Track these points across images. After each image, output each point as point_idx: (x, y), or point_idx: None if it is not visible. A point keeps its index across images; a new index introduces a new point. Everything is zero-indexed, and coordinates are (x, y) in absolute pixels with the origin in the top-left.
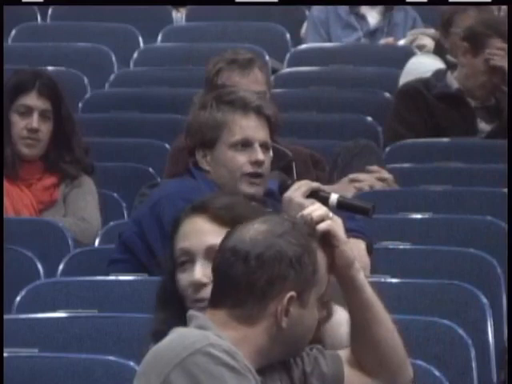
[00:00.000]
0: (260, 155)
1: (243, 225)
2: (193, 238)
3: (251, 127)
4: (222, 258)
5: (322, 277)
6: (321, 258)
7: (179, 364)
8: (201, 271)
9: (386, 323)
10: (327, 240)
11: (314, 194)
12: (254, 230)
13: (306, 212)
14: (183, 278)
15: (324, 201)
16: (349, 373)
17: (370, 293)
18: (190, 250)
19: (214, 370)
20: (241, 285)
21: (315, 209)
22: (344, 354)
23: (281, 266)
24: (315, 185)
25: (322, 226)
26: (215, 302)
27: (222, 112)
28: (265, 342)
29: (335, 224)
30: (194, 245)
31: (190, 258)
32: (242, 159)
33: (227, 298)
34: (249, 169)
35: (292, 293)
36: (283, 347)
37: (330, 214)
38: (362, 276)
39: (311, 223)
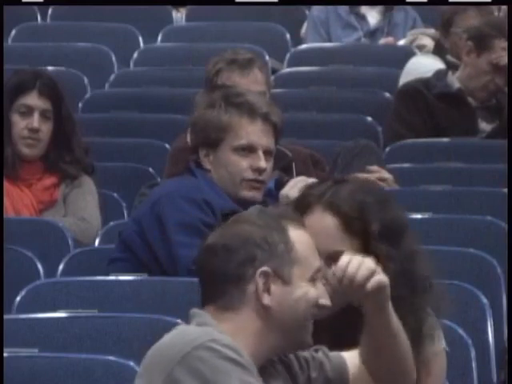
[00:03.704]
0: (262, 163)
1: None
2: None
3: (257, 133)
4: (199, 259)
5: (306, 256)
6: (305, 238)
7: (182, 359)
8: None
9: (403, 344)
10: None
11: None
12: (223, 225)
13: (348, 274)
14: None
15: None
16: (354, 376)
17: (393, 317)
18: None
19: (217, 364)
20: (216, 277)
21: (354, 268)
22: (349, 356)
23: (246, 248)
24: (311, 181)
25: (372, 286)
26: (203, 301)
27: (230, 114)
28: (257, 325)
29: (382, 277)
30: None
31: None
32: (244, 164)
33: (209, 294)
34: (250, 175)
35: (264, 268)
36: (281, 331)
37: (371, 265)
38: (389, 303)
39: (359, 285)
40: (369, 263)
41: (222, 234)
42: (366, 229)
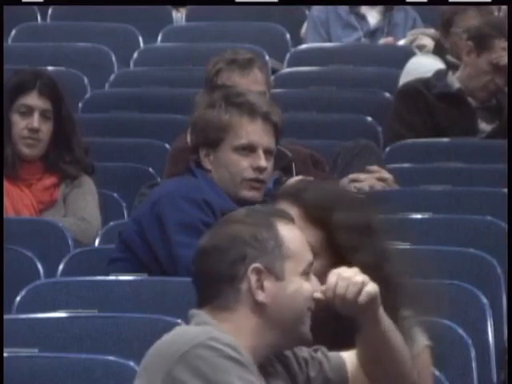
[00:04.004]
0: (263, 162)
1: None
2: None
3: (257, 132)
4: (194, 264)
5: (296, 251)
6: (295, 233)
7: (181, 358)
8: None
9: (398, 348)
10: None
11: None
12: (213, 227)
13: (338, 294)
14: None
15: None
16: (353, 376)
17: (387, 323)
18: None
19: (217, 362)
20: (209, 278)
21: (343, 287)
22: (348, 355)
23: (236, 247)
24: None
25: (364, 299)
26: (199, 303)
27: (230, 114)
28: (255, 323)
29: (371, 287)
30: None
31: None
32: (244, 164)
33: (205, 295)
34: (250, 174)
35: (255, 265)
36: (279, 327)
37: (358, 278)
38: (381, 308)
39: (351, 302)
40: (356, 278)
41: (213, 235)
42: (330, 219)
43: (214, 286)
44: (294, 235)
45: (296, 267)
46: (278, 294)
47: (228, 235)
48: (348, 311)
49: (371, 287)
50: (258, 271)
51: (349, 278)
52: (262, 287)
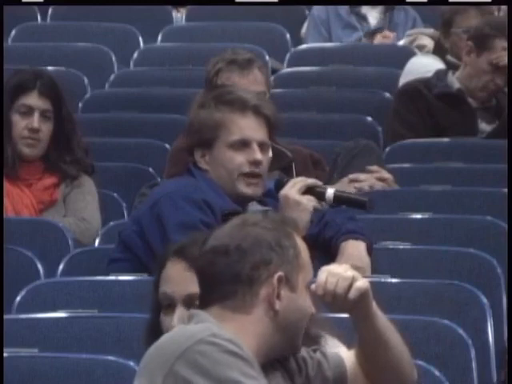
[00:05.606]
0: (258, 155)
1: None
2: (174, 285)
3: (249, 127)
4: (202, 261)
5: (307, 264)
6: (304, 246)
7: (183, 354)
8: (179, 320)
9: (396, 346)
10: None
11: (310, 190)
12: (228, 226)
13: (328, 291)
14: (165, 321)
15: (320, 196)
16: (351, 376)
17: (382, 320)
18: (171, 296)
19: (219, 357)
20: (226, 277)
21: (333, 284)
22: (347, 355)
23: (262, 250)
24: (311, 181)
25: (354, 294)
26: (204, 303)
27: (221, 112)
28: (264, 328)
29: (362, 282)
30: (175, 291)
31: (171, 303)
32: (239, 159)
33: (215, 294)
34: (246, 168)
35: (280, 273)
36: (282, 335)
37: (348, 274)
38: (374, 305)
39: (342, 298)
40: (346, 273)
41: (232, 236)
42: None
43: (228, 286)
44: (304, 247)
45: (304, 280)
46: (289, 304)
47: (252, 237)
48: (339, 308)
49: (362, 283)
50: (280, 279)
51: (338, 274)
52: (278, 296)
